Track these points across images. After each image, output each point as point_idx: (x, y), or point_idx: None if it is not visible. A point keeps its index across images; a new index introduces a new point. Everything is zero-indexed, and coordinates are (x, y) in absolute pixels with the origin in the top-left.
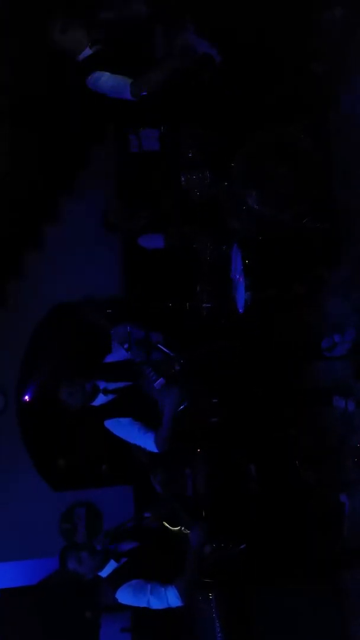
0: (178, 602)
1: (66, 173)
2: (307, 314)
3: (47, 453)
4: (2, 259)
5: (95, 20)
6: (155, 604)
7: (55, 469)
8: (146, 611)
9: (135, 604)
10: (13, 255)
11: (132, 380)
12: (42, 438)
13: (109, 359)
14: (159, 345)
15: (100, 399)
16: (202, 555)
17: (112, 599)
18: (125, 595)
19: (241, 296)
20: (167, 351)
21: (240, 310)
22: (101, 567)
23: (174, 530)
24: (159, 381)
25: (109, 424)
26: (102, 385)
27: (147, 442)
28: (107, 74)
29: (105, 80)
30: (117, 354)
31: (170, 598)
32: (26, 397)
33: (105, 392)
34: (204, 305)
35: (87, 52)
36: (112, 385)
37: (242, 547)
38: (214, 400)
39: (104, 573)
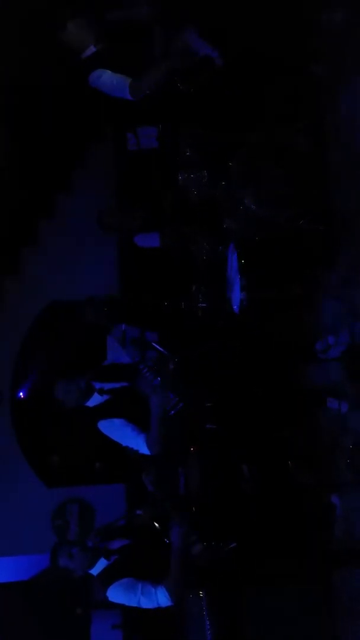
0: (168, 602)
1: (63, 171)
2: (302, 315)
3: (41, 450)
4: None
5: (100, 19)
6: (146, 603)
7: (48, 465)
8: (137, 609)
9: (126, 603)
10: (9, 253)
11: (127, 381)
12: (36, 435)
13: (106, 360)
14: (154, 344)
15: (96, 399)
16: (190, 554)
17: (103, 597)
18: (116, 594)
19: (237, 296)
20: (162, 350)
21: (236, 310)
22: (92, 565)
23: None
24: (155, 381)
25: (102, 425)
26: (97, 385)
27: (139, 443)
28: (109, 72)
29: (106, 78)
30: (113, 353)
31: (160, 598)
32: (21, 395)
33: (101, 392)
34: (200, 304)
35: (91, 50)
36: (107, 386)
37: (232, 546)
38: (207, 400)
39: (95, 571)
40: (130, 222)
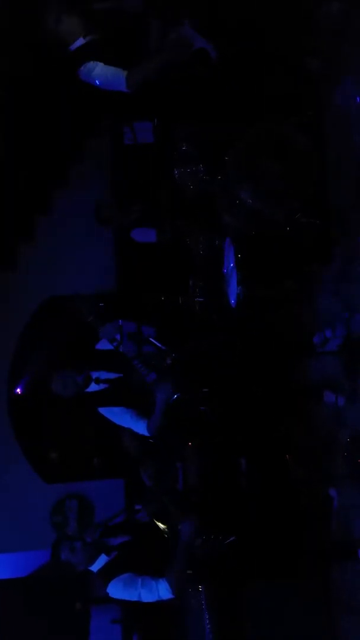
0: (169, 595)
1: (59, 165)
2: (299, 309)
3: (39, 445)
4: None
5: (89, 10)
6: (147, 597)
7: (47, 461)
8: (136, 603)
9: (127, 598)
10: (6, 247)
11: (123, 372)
12: (34, 430)
13: (100, 346)
14: (151, 339)
15: (92, 388)
16: (192, 549)
17: (103, 593)
18: (116, 590)
19: (233, 290)
20: (159, 345)
21: (233, 305)
22: (92, 561)
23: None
24: (150, 376)
25: (103, 409)
26: (94, 374)
27: (138, 426)
28: (101, 64)
29: (99, 70)
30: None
31: (161, 590)
32: (18, 390)
33: (98, 381)
34: (197, 299)
35: (80, 42)
36: (104, 375)
37: (231, 540)
38: (204, 395)
39: (95, 567)
40: (127, 216)
